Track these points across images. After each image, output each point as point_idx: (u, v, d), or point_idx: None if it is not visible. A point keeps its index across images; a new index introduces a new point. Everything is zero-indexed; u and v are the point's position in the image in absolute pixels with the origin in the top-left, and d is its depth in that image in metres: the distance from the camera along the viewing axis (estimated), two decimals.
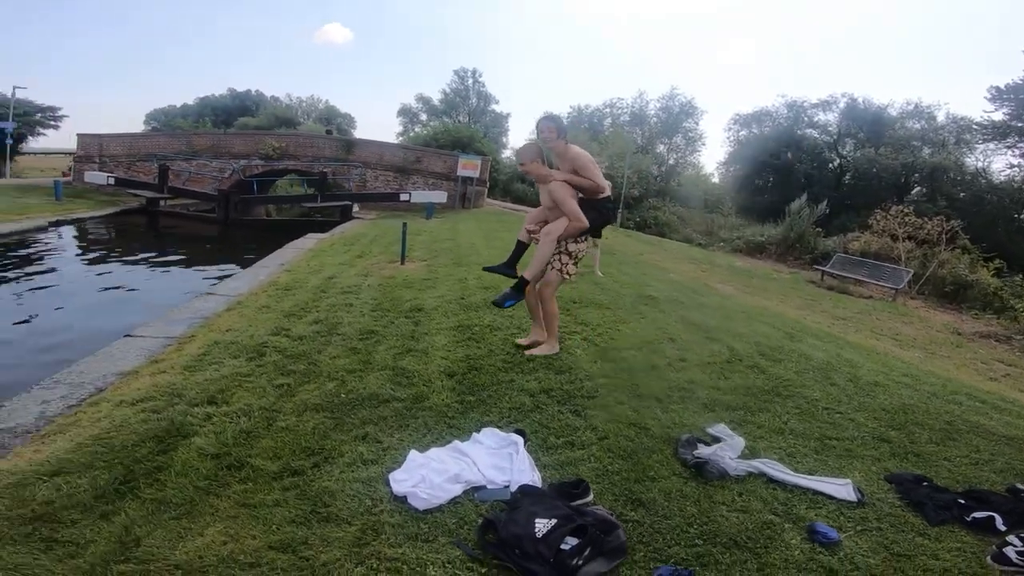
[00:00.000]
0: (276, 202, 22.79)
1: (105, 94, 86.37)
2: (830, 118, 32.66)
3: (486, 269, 4.34)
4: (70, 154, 26.26)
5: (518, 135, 48.57)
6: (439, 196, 17.95)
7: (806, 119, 33.08)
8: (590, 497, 2.42)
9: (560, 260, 3.89)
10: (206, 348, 4.24)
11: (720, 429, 3.10)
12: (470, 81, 45.67)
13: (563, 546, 2.04)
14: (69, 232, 13.25)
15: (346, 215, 17.23)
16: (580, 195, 3.79)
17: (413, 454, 2.70)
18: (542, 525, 2.11)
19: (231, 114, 42.74)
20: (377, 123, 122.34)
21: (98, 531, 2.15)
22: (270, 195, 23.33)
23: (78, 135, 20.78)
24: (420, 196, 17.84)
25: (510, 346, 4.22)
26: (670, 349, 4.53)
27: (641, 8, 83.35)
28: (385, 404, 3.28)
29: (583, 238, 3.92)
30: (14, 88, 24.99)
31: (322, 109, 50.21)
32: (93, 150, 20.05)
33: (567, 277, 3.96)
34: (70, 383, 3.67)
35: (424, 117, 45.30)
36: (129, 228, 15.55)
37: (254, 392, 3.43)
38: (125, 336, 4.60)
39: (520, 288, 3.86)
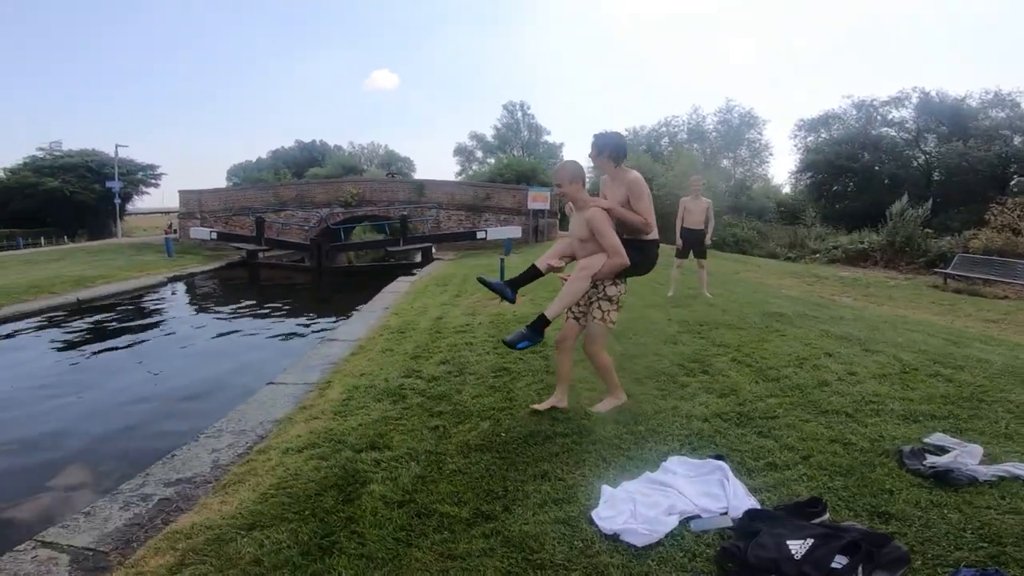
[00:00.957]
0: (362, 248, 23.39)
1: (174, 147, 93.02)
2: (905, 114, 30.69)
3: (480, 280, 3.65)
4: (169, 212, 27.37)
5: None
6: (514, 231, 18.02)
7: (879, 118, 31.21)
8: (827, 515, 2.23)
9: (600, 308, 3.35)
10: (347, 393, 4.24)
11: (939, 438, 2.94)
12: (519, 114, 46.39)
13: (834, 565, 1.87)
14: (184, 286, 14.44)
15: (428, 257, 17.56)
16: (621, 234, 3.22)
17: (607, 489, 2.53)
18: (797, 547, 1.96)
19: (300, 165, 43.25)
20: (433, 163, 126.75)
21: None
22: (357, 241, 24.12)
23: (179, 192, 21.60)
24: (496, 233, 17.98)
25: (659, 373, 3.99)
26: (833, 364, 4.20)
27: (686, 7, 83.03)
28: (550, 440, 3.12)
29: (622, 280, 3.37)
30: (116, 147, 24.80)
31: (383, 154, 51.34)
32: (194, 206, 21.16)
33: (611, 326, 3.41)
34: (232, 431, 3.74)
35: (480, 154, 46.20)
36: (235, 280, 16.50)
37: (411, 435, 3.35)
38: (268, 384, 4.70)
39: (538, 328, 3.23)
